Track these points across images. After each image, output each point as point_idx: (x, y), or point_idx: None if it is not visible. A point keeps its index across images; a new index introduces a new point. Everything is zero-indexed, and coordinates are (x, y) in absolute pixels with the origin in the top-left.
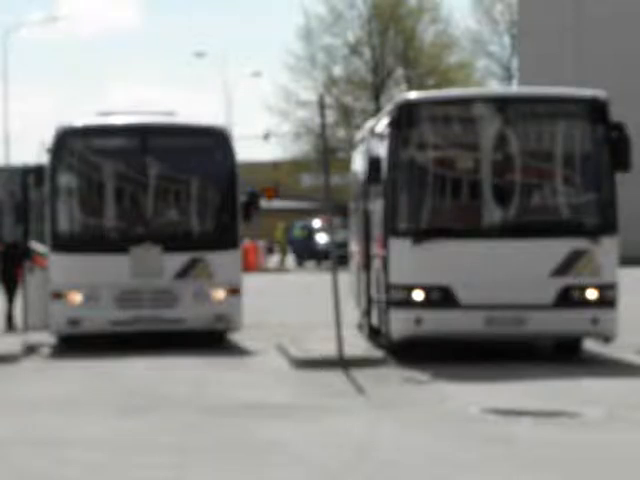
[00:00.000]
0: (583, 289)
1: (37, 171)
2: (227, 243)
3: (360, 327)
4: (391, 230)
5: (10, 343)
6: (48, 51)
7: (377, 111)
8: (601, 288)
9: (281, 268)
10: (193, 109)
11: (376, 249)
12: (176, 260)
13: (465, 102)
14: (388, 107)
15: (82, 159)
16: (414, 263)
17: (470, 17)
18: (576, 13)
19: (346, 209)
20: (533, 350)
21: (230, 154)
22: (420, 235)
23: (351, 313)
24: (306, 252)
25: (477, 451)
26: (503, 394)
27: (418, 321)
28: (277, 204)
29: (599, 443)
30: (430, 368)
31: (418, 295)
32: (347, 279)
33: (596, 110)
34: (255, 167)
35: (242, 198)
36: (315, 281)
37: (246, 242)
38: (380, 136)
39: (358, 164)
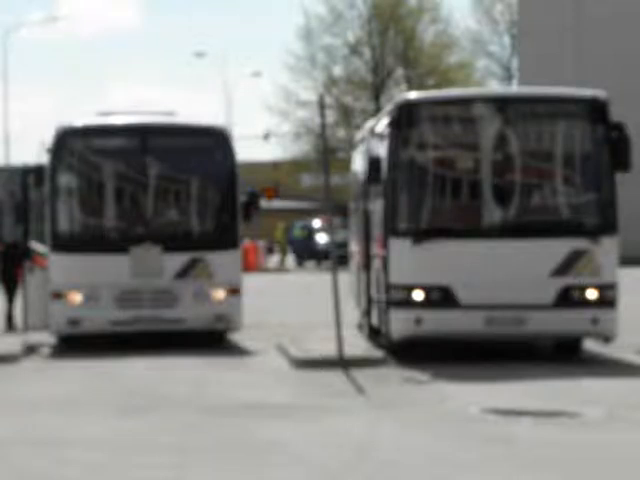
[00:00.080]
0: (583, 289)
1: (37, 171)
2: (227, 243)
3: (360, 327)
4: (391, 230)
5: (10, 343)
6: (48, 51)
7: (377, 111)
8: (601, 288)
9: (281, 268)
10: (193, 109)
11: (376, 249)
12: (176, 260)
13: (465, 102)
14: (388, 107)
15: (82, 159)
16: (414, 263)
17: (470, 17)
18: (576, 13)
19: (346, 209)
20: (533, 350)
21: (230, 154)
22: (420, 235)
23: (351, 313)
24: (306, 252)
25: (477, 451)
26: (503, 394)
27: (418, 321)
28: (277, 204)
29: (599, 443)
30: (430, 368)
31: (418, 295)
32: (347, 279)
33: (596, 110)
34: (255, 167)
35: (242, 198)
36: (315, 281)
37: (246, 242)
38: (380, 136)
39: (358, 164)
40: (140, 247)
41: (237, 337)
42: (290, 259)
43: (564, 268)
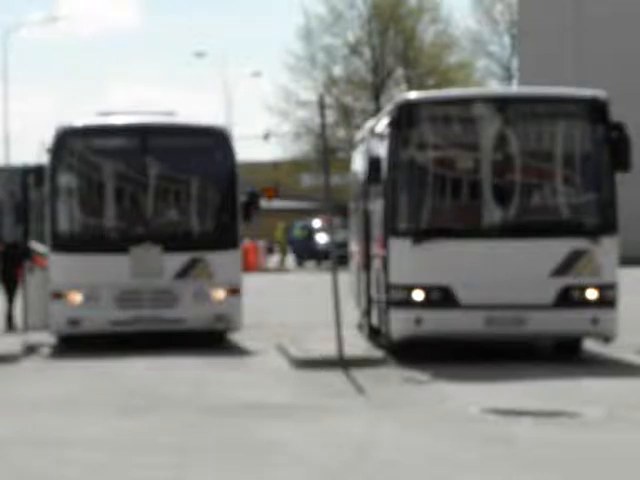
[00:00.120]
0: (583, 289)
1: (37, 171)
2: (227, 243)
3: (360, 327)
4: (391, 230)
5: (10, 343)
6: (48, 51)
7: (377, 111)
8: (601, 288)
9: (281, 268)
10: (193, 109)
11: (376, 249)
12: (176, 260)
13: (465, 102)
14: (388, 107)
15: (82, 159)
16: (414, 263)
17: (470, 17)
18: (576, 13)
19: (346, 209)
20: (533, 350)
21: (230, 154)
22: (420, 235)
23: (351, 313)
24: (306, 252)
25: (477, 451)
26: (503, 394)
27: (418, 321)
28: (277, 204)
29: (599, 443)
30: (430, 368)
31: (418, 295)
32: (347, 279)
33: (596, 110)
34: (255, 167)
35: (242, 198)
36: (315, 281)
37: (246, 242)
38: (380, 136)
39: (358, 164)
40: (140, 247)
41: (237, 337)
42: (290, 259)
43: (564, 268)
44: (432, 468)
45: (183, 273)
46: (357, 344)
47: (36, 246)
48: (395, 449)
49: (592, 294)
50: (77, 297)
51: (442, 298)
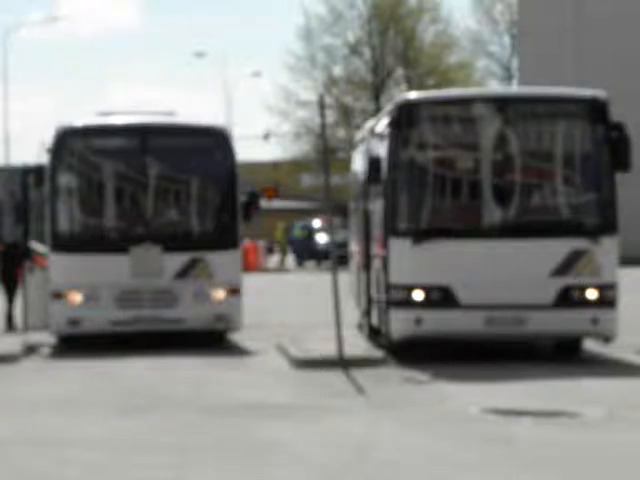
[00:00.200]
0: (583, 289)
1: (37, 171)
2: (227, 243)
3: (360, 327)
4: (391, 230)
5: (10, 343)
6: (48, 51)
7: (377, 111)
8: (601, 288)
9: (281, 268)
10: (193, 109)
11: (376, 249)
12: (176, 260)
13: (465, 102)
14: (388, 107)
15: (82, 159)
16: (414, 263)
17: (470, 17)
18: (576, 13)
19: (346, 209)
20: (533, 350)
21: (230, 154)
22: (420, 235)
23: (351, 313)
24: (306, 252)
25: (477, 451)
26: (503, 394)
27: (418, 321)
28: (277, 204)
29: (599, 443)
30: (430, 368)
31: (418, 295)
32: (347, 279)
33: (596, 110)
34: (255, 167)
35: (242, 198)
36: (315, 281)
37: (246, 242)
38: (380, 136)
39: (358, 164)
40: (140, 247)
41: (237, 337)
42: (290, 259)
43: (564, 268)
44: (432, 468)
45: (183, 273)
46: (357, 344)
47: (36, 246)
48: (395, 449)
49: (592, 294)
50: (77, 297)
51: (442, 298)
